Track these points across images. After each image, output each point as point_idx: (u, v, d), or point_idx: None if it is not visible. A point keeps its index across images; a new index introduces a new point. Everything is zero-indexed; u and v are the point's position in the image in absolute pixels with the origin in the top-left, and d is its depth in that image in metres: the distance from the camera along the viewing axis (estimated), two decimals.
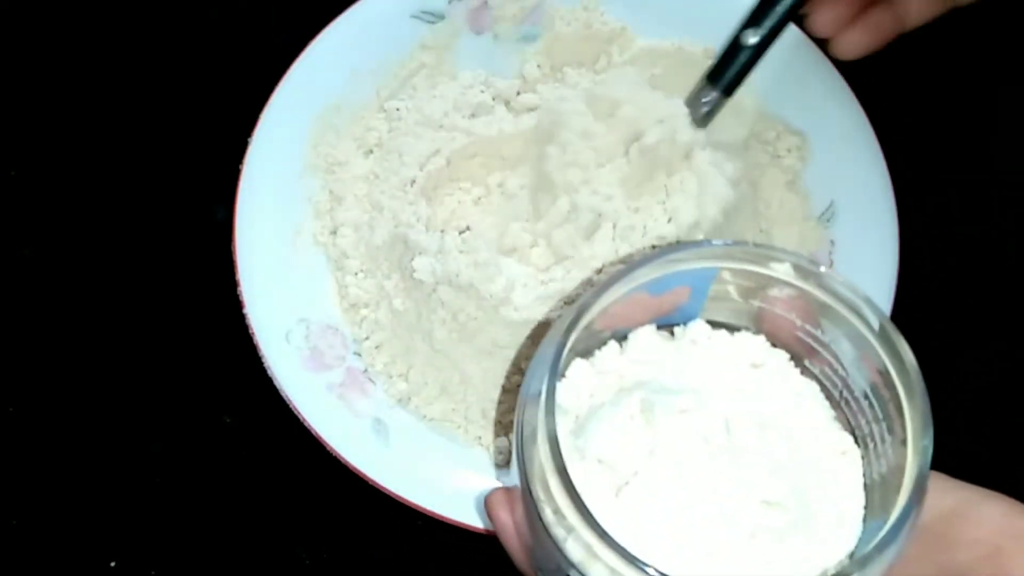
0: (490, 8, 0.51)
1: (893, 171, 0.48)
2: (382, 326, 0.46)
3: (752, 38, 0.44)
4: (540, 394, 0.29)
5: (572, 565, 0.28)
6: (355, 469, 0.43)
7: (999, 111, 0.55)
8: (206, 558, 0.45)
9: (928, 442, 0.28)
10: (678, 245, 0.32)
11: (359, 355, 0.46)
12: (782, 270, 0.31)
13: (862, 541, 0.30)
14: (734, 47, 0.45)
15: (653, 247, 0.43)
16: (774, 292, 0.32)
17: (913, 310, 0.47)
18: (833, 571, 0.27)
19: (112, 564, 0.45)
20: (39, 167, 0.52)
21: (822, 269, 0.31)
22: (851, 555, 0.29)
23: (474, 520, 0.42)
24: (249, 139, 0.47)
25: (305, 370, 0.45)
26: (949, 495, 0.31)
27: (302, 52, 0.48)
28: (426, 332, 0.45)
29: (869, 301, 0.30)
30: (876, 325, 0.30)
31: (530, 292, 0.44)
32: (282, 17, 0.55)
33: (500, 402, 0.45)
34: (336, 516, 0.46)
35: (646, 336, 0.33)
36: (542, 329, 0.43)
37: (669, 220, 0.44)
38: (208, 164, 0.50)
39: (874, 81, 0.49)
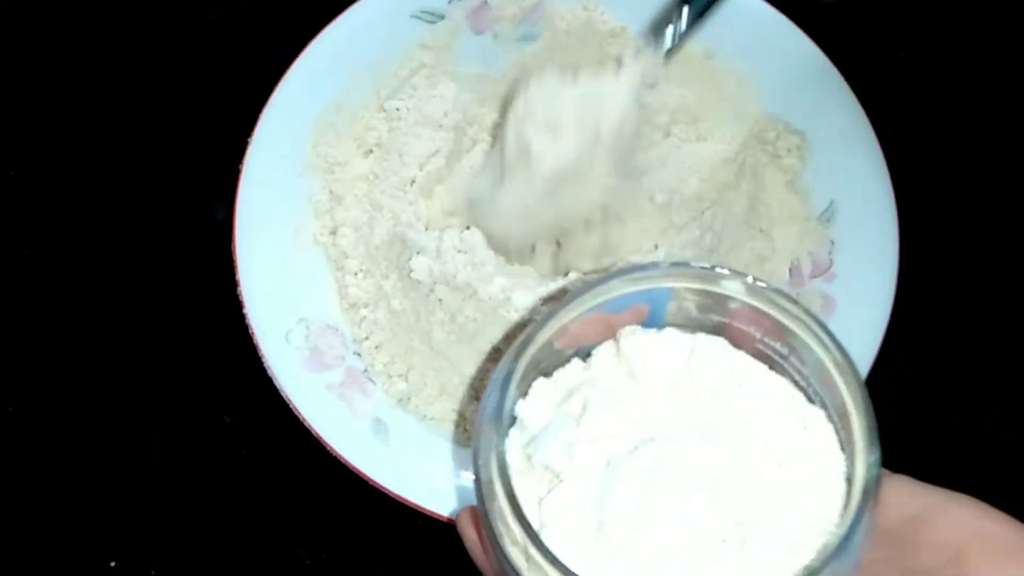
0: (490, 8, 0.51)
1: (893, 171, 0.48)
2: (381, 326, 0.46)
3: None
4: (491, 416, 0.29)
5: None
6: (355, 469, 0.43)
7: (999, 111, 0.55)
8: (206, 558, 0.45)
9: (875, 459, 0.28)
10: (631, 267, 0.32)
11: (359, 355, 0.46)
12: (733, 288, 0.31)
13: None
14: None
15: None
16: (734, 306, 0.32)
17: (913, 310, 0.47)
18: None
19: (112, 564, 0.45)
20: (39, 167, 0.52)
21: (768, 287, 0.31)
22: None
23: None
24: (249, 139, 0.47)
25: (305, 370, 0.45)
26: (915, 498, 0.31)
27: (302, 52, 0.48)
28: (425, 333, 0.45)
29: (818, 321, 0.30)
30: (825, 341, 0.30)
31: (529, 293, 0.44)
32: (282, 17, 0.55)
33: (472, 403, 0.45)
34: (336, 516, 0.46)
35: (606, 351, 0.33)
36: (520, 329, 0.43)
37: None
38: (208, 164, 0.50)
39: (874, 81, 0.49)
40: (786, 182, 0.50)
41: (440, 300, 0.45)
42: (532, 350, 0.31)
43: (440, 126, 0.50)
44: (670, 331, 0.32)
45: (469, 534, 0.34)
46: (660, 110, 0.51)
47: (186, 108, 0.53)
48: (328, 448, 0.43)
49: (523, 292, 0.44)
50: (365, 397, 0.45)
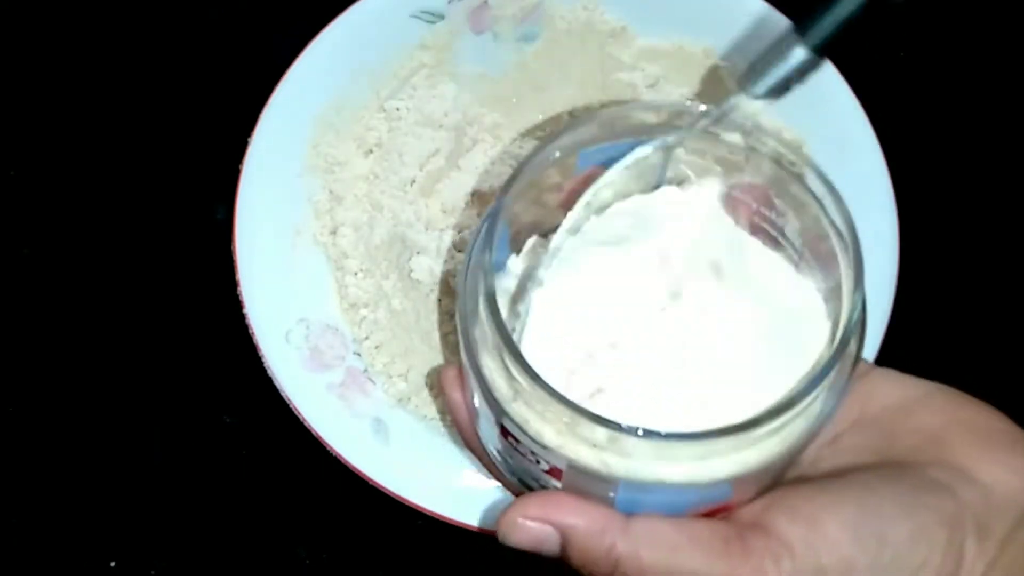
0: (490, 8, 0.51)
1: (893, 171, 0.48)
2: (381, 326, 0.46)
3: None
4: (477, 260, 0.29)
5: (509, 416, 0.28)
6: (355, 469, 0.43)
7: (999, 111, 0.55)
8: (206, 558, 0.45)
9: (857, 300, 0.28)
10: (629, 104, 0.31)
11: (359, 355, 0.46)
12: (733, 139, 0.31)
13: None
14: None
15: None
16: (733, 179, 0.32)
17: (913, 310, 0.47)
18: (744, 419, 0.27)
19: (112, 564, 0.45)
20: (39, 167, 0.52)
21: (768, 137, 0.31)
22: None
23: (474, 520, 0.42)
24: (249, 139, 0.47)
25: (305, 370, 0.45)
26: (897, 389, 0.31)
27: (302, 52, 0.48)
28: (425, 332, 0.45)
29: (813, 165, 0.30)
30: (818, 188, 0.30)
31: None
32: (282, 17, 0.55)
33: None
34: (336, 516, 0.46)
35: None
36: None
37: None
38: (208, 164, 0.50)
39: (874, 81, 0.49)
40: None
41: (440, 300, 0.45)
42: (518, 188, 0.30)
43: (440, 126, 0.50)
44: (668, 189, 0.32)
45: (454, 395, 0.33)
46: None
47: (186, 108, 0.53)
48: (328, 448, 0.43)
49: None
50: (365, 397, 0.45)
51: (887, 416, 0.31)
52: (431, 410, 0.46)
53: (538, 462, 0.29)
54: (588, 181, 0.32)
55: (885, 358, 0.44)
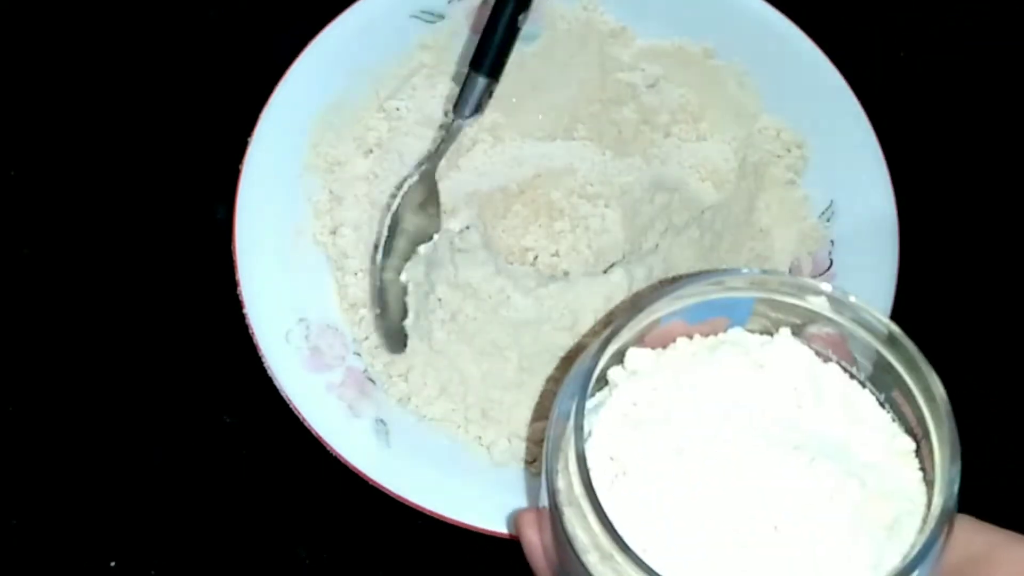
0: (489, 7, 0.51)
1: (893, 171, 0.48)
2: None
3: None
4: (570, 413, 0.29)
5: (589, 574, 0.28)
6: (355, 469, 0.43)
7: (999, 111, 0.55)
8: (206, 558, 0.45)
9: (956, 474, 0.28)
10: (717, 271, 0.32)
11: (359, 355, 0.46)
12: (818, 303, 0.31)
13: None
14: (489, 29, 0.47)
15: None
16: (812, 329, 0.32)
17: (913, 310, 0.47)
18: None
19: (112, 564, 0.45)
20: (39, 167, 0.52)
21: (853, 300, 0.31)
22: None
23: (474, 520, 0.42)
24: (249, 139, 0.47)
25: (305, 370, 0.45)
26: (978, 537, 0.31)
27: (302, 52, 0.48)
28: (425, 332, 0.45)
29: (900, 333, 0.30)
30: (907, 357, 0.30)
31: (529, 293, 0.44)
32: (282, 17, 0.55)
33: (532, 423, 0.45)
34: (336, 516, 0.46)
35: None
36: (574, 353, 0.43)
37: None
38: (208, 164, 0.50)
39: (874, 81, 0.49)
40: (786, 182, 0.50)
41: (440, 300, 0.45)
42: (612, 350, 0.30)
43: (440, 126, 0.50)
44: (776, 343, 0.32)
45: (530, 536, 0.33)
46: (660, 110, 0.51)
47: (186, 108, 0.53)
48: (328, 448, 0.43)
49: (523, 292, 0.44)
50: (365, 397, 0.45)
51: (969, 567, 0.31)
52: (431, 410, 0.46)
53: None
54: (672, 332, 0.32)
55: None
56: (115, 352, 0.48)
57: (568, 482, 0.29)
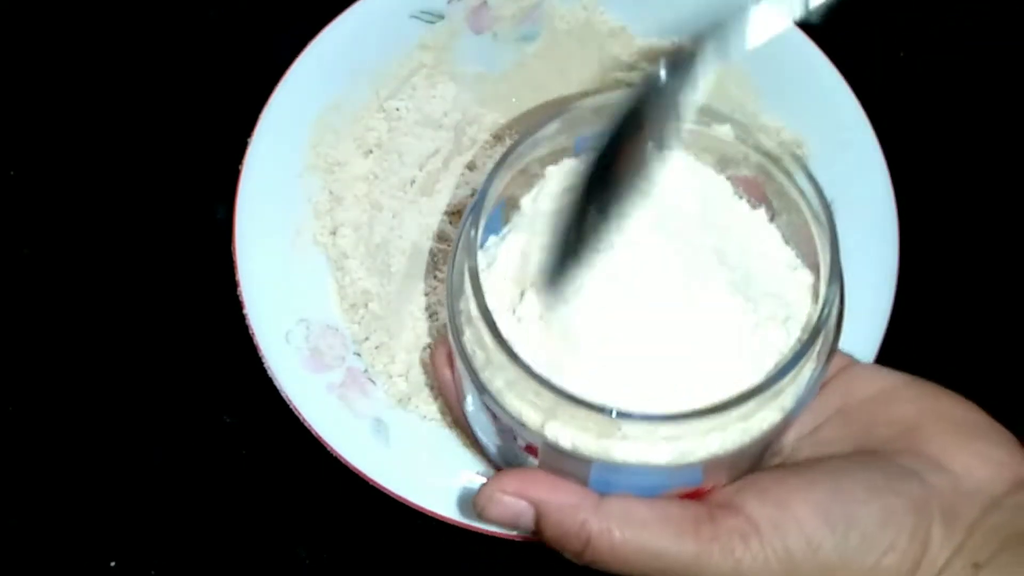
0: (489, 8, 0.51)
1: (893, 171, 0.48)
2: (381, 326, 0.46)
3: None
4: (464, 236, 0.29)
5: (488, 393, 0.29)
6: (355, 469, 0.43)
7: (999, 111, 0.55)
8: (206, 558, 0.45)
9: (834, 293, 0.28)
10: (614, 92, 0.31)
11: (359, 355, 0.46)
12: (723, 131, 0.31)
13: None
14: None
15: None
16: (728, 171, 0.32)
17: (913, 310, 0.47)
18: (712, 403, 0.27)
19: (112, 564, 0.45)
20: (39, 167, 0.52)
21: (760, 131, 0.31)
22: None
23: (474, 520, 0.42)
24: (249, 139, 0.47)
25: (305, 370, 0.45)
26: (876, 381, 0.32)
27: (302, 52, 0.48)
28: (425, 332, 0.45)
29: (800, 162, 0.30)
30: (805, 185, 0.30)
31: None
32: (282, 17, 0.55)
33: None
34: (336, 516, 0.46)
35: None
36: None
37: None
38: (208, 164, 0.50)
39: (874, 81, 0.49)
40: None
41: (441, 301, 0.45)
42: (511, 166, 0.30)
43: (440, 126, 0.50)
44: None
45: (444, 373, 0.33)
46: None
47: (186, 108, 0.53)
48: (328, 448, 0.43)
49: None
50: (365, 397, 0.45)
51: (865, 407, 0.32)
52: (431, 410, 0.46)
53: (515, 439, 0.30)
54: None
55: (885, 358, 0.44)
56: (115, 352, 0.48)
57: (466, 301, 0.29)
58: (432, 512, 0.42)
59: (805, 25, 0.50)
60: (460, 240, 0.30)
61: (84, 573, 0.45)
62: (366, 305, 0.47)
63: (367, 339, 0.46)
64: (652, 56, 0.51)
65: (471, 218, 0.30)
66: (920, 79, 0.56)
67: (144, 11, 0.55)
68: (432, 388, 0.46)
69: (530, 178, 0.32)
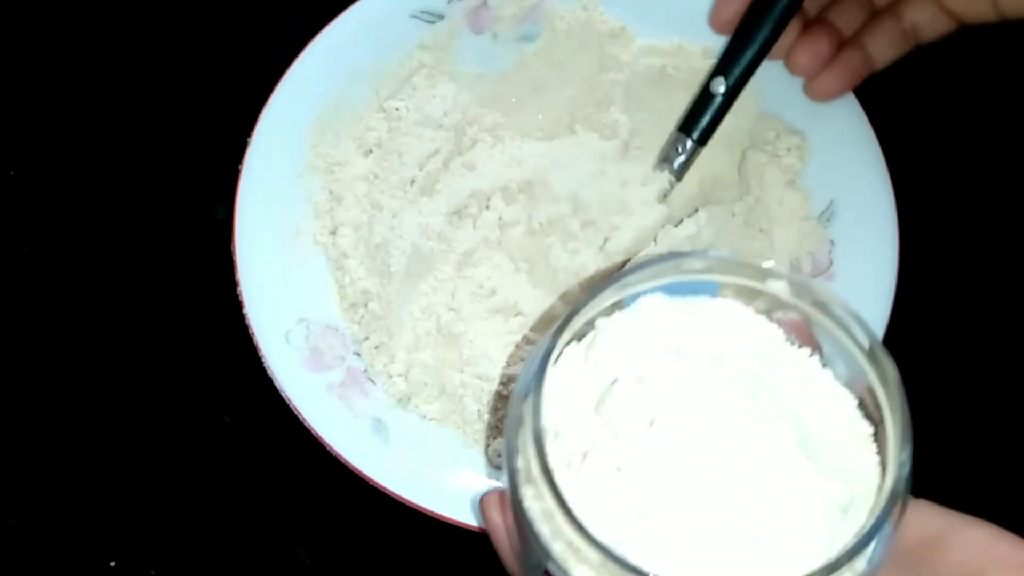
0: (489, 8, 0.51)
1: (893, 171, 0.48)
2: (381, 326, 0.46)
3: (721, 87, 0.47)
4: (527, 391, 0.29)
5: (552, 560, 0.28)
6: (355, 469, 0.43)
7: (999, 112, 0.55)
8: (206, 558, 0.45)
9: (906, 457, 0.28)
10: (677, 254, 0.31)
11: (359, 355, 0.46)
12: (778, 287, 0.31)
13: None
14: (705, 96, 0.48)
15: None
16: (777, 315, 0.32)
17: (913, 310, 0.47)
18: None
19: (112, 564, 0.45)
20: (39, 167, 0.52)
21: (816, 285, 0.31)
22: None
23: (474, 520, 0.42)
24: (249, 139, 0.47)
25: (305, 370, 0.45)
26: (933, 521, 0.31)
27: (302, 52, 0.48)
28: (425, 332, 0.45)
29: (858, 318, 0.30)
30: (864, 342, 0.30)
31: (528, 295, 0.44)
32: (282, 17, 0.55)
33: (496, 408, 0.45)
34: (336, 516, 0.46)
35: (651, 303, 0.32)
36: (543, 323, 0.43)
37: None
38: (208, 164, 0.50)
39: (874, 81, 0.49)
40: (786, 182, 0.50)
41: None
42: (571, 328, 0.30)
43: (440, 126, 0.50)
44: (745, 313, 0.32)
45: (494, 518, 0.33)
46: None
47: (186, 108, 0.53)
48: (328, 448, 0.43)
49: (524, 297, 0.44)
50: (365, 397, 0.45)
51: (923, 549, 0.31)
52: (431, 410, 0.46)
53: None
54: None
55: None
56: (115, 352, 0.48)
57: (527, 462, 0.29)
58: (432, 512, 0.42)
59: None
60: (518, 393, 0.30)
61: (84, 573, 0.45)
62: (366, 305, 0.47)
63: (367, 339, 0.46)
64: (652, 56, 0.51)
65: (535, 377, 0.29)
66: (920, 79, 0.56)
67: (144, 11, 0.55)
68: (432, 389, 0.46)
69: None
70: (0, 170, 0.52)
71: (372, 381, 0.46)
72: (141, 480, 0.46)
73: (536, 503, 0.29)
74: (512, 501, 0.30)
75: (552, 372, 0.30)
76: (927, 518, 0.31)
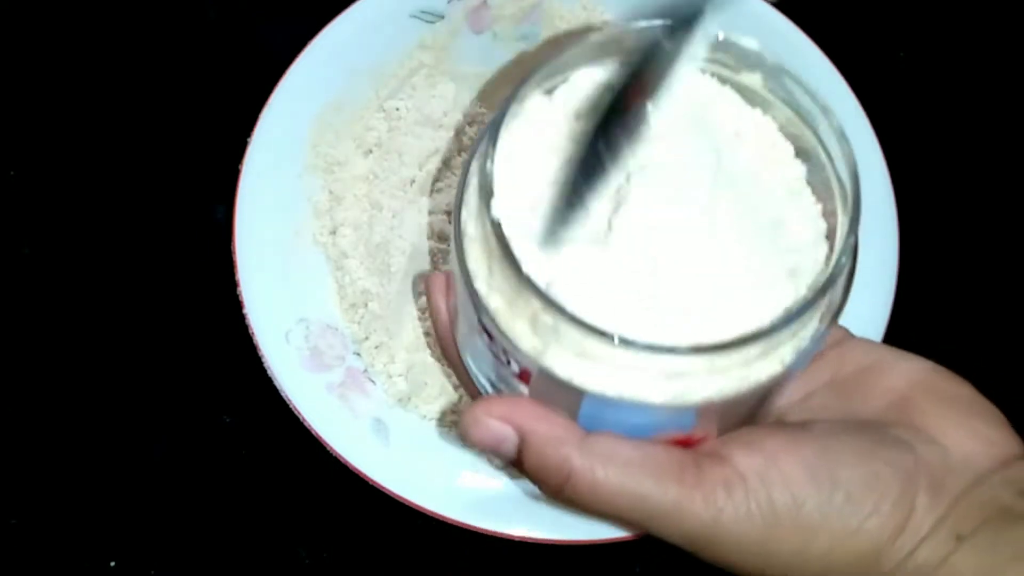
0: (489, 7, 0.51)
1: (893, 171, 0.48)
2: (381, 326, 0.46)
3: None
4: (477, 151, 0.28)
5: (485, 308, 0.28)
6: (355, 469, 0.43)
7: (999, 111, 0.55)
8: (206, 558, 0.45)
9: (849, 244, 0.28)
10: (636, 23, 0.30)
11: (359, 355, 0.46)
12: (752, 80, 0.31)
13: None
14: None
15: None
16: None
17: (913, 310, 0.47)
18: (719, 341, 0.26)
19: (112, 564, 0.45)
20: (39, 167, 0.52)
21: (787, 77, 0.31)
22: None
23: (474, 520, 0.42)
24: (249, 139, 0.47)
25: (305, 370, 0.45)
26: (871, 353, 0.32)
27: (301, 52, 0.48)
28: (425, 332, 0.45)
29: (826, 106, 0.30)
30: (832, 124, 0.30)
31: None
32: (282, 17, 0.55)
33: None
34: (336, 516, 0.46)
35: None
36: None
37: None
38: (208, 164, 0.50)
39: (874, 81, 0.49)
40: None
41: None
42: (528, 89, 0.29)
43: (440, 126, 0.50)
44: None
45: (438, 300, 0.33)
46: None
47: (186, 108, 0.53)
48: (328, 448, 0.43)
49: None
50: (365, 397, 0.45)
51: (858, 378, 0.31)
52: (431, 410, 0.46)
53: (509, 362, 0.29)
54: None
55: None
56: (115, 352, 0.48)
57: (475, 223, 0.28)
58: (432, 512, 0.42)
59: (806, 25, 0.50)
60: (476, 151, 0.29)
61: (84, 573, 0.45)
62: (366, 305, 0.47)
63: (367, 339, 0.46)
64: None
65: (489, 135, 0.28)
66: (920, 79, 0.56)
67: (144, 11, 0.55)
68: (432, 389, 0.46)
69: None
70: (0, 170, 0.52)
71: (372, 381, 0.46)
72: (141, 480, 0.46)
73: (477, 256, 0.28)
74: (454, 255, 0.29)
75: (513, 124, 0.30)
76: (867, 351, 0.32)
